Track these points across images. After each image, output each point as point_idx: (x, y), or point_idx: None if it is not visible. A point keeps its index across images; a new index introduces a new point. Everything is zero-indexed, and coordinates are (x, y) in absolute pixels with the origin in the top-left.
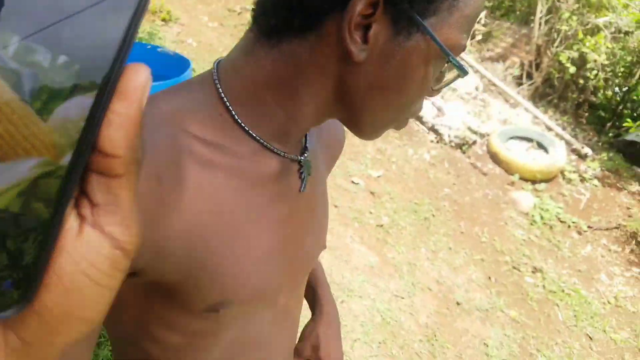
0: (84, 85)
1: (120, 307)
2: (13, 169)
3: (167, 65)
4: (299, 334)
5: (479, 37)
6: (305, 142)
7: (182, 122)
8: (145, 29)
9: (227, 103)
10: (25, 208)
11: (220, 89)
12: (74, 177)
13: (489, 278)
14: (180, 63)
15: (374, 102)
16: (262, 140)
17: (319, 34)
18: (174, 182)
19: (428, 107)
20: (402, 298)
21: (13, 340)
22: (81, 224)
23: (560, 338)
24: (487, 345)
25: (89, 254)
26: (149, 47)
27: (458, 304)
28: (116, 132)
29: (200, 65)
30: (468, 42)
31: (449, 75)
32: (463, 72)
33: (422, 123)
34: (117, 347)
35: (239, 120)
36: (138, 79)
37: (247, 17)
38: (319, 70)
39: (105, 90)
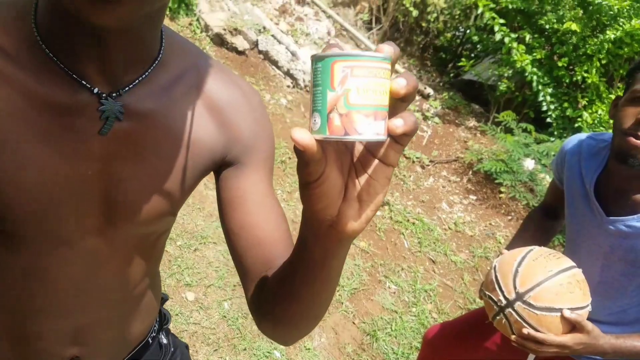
0: None
1: None
2: None
3: None
4: (133, 287)
5: None
6: (127, 86)
7: None
8: None
9: (34, 21)
10: None
11: (34, 9)
12: None
13: None
14: None
15: None
16: (58, 63)
17: None
18: None
19: (282, 52)
20: None
21: None
22: None
23: (406, 263)
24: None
25: None
26: None
27: None
28: None
29: None
30: None
31: None
32: None
33: (278, 68)
34: None
35: (39, 40)
36: None
37: None
38: None
39: None
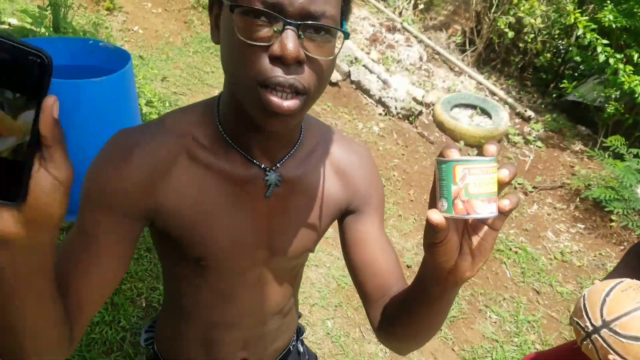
0: (30, 106)
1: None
2: (6, 141)
3: (109, 59)
4: (283, 305)
5: (421, 6)
6: (280, 160)
7: (190, 131)
8: (90, 19)
9: (218, 119)
10: (15, 156)
11: (217, 111)
12: (33, 145)
13: None
14: (121, 56)
15: (225, 66)
16: (237, 148)
17: None
18: (167, 168)
19: (374, 81)
20: None
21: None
22: (39, 166)
23: (508, 294)
24: None
25: (45, 180)
26: (90, 42)
27: (408, 266)
28: (44, 125)
29: (149, 52)
30: (410, 12)
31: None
32: (231, 8)
33: (370, 96)
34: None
35: (223, 133)
36: (49, 101)
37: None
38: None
39: (38, 108)
